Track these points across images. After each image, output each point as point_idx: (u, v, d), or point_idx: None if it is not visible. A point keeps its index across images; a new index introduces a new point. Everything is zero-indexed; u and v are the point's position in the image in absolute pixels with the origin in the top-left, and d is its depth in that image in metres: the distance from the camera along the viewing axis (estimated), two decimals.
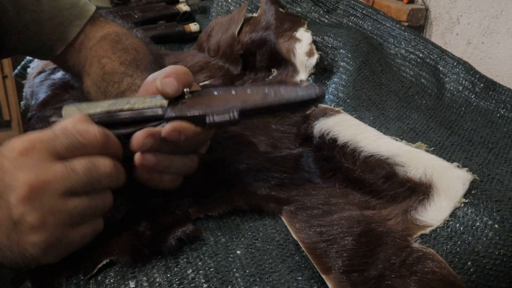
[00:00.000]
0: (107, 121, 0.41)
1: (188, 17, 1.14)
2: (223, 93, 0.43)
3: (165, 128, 0.40)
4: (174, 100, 0.42)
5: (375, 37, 0.81)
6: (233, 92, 0.43)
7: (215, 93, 0.44)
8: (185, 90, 0.43)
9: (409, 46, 0.76)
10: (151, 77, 0.45)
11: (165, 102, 0.42)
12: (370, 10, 0.86)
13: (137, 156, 0.40)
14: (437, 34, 1.01)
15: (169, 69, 0.44)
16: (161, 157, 0.41)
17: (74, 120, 0.39)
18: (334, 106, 0.63)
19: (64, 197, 0.36)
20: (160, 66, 0.55)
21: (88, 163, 0.37)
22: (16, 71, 1.08)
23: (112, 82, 0.54)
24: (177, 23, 1.10)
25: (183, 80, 0.43)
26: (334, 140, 0.54)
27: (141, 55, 0.61)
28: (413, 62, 0.74)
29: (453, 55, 0.74)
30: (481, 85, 0.69)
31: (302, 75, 0.71)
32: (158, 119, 0.41)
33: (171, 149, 0.42)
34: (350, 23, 0.87)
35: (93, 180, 0.37)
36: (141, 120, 0.41)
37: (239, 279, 0.38)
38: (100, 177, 0.38)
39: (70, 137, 0.37)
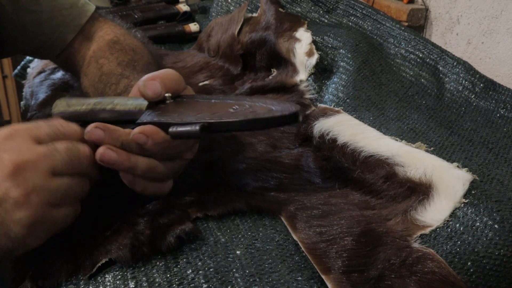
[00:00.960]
0: (89, 119, 0.43)
1: (188, 17, 1.14)
2: (203, 102, 0.43)
3: (134, 131, 0.41)
4: (155, 104, 0.43)
5: (375, 37, 0.81)
6: (213, 101, 0.43)
7: (198, 100, 0.44)
8: (166, 95, 0.43)
9: (409, 46, 0.76)
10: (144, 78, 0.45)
11: (144, 105, 0.42)
12: (370, 10, 0.86)
13: (98, 149, 0.40)
14: (437, 34, 1.00)
15: (158, 72, 0.44)
16: (126, 156, 0.41)
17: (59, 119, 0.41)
18: (334, 106, 0.63)
19: (47, 176, 0.37)
20: (159, 66, 0.55)
21: (69, 144, 0.39)
22: (16, 71, 1.08)
23: (109, 84, 0.54)
24: (177, 23, 1.10)
25: (167, 85, 0.43)
26: (333, 140, 0.54)
27: (139, 55, 0.61)
28: (413, 62, 0.74)
29: (453, 55, 0.74)
30: (481, 85, 0.69)
31: (302, 75, 0.71)
32: (133, 122, 0.42)
33: (141, 152, 0.41)
34: (350, 23, 0.86)
35: (74, 160, 0.39)
36: (119, 121, 0.42)
37: (238, 279, 0.38)
38: (80, 158, 0.40)
39: (52, 126, 0.39)
